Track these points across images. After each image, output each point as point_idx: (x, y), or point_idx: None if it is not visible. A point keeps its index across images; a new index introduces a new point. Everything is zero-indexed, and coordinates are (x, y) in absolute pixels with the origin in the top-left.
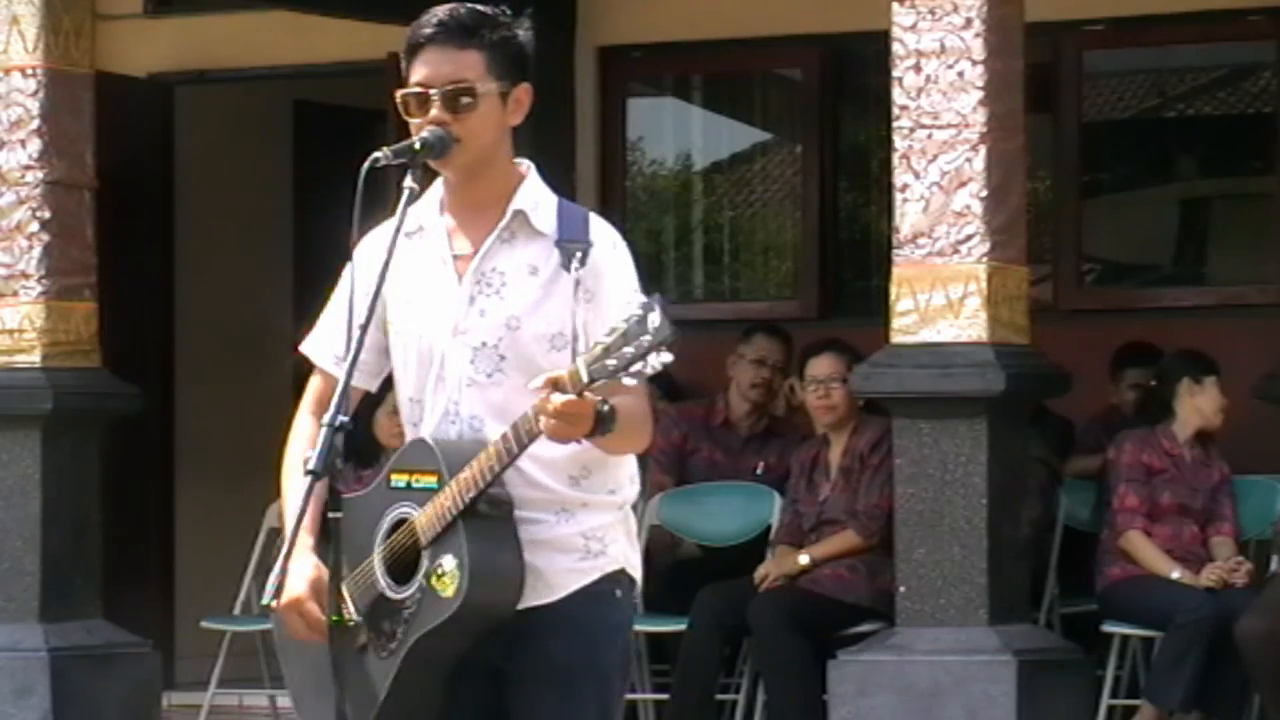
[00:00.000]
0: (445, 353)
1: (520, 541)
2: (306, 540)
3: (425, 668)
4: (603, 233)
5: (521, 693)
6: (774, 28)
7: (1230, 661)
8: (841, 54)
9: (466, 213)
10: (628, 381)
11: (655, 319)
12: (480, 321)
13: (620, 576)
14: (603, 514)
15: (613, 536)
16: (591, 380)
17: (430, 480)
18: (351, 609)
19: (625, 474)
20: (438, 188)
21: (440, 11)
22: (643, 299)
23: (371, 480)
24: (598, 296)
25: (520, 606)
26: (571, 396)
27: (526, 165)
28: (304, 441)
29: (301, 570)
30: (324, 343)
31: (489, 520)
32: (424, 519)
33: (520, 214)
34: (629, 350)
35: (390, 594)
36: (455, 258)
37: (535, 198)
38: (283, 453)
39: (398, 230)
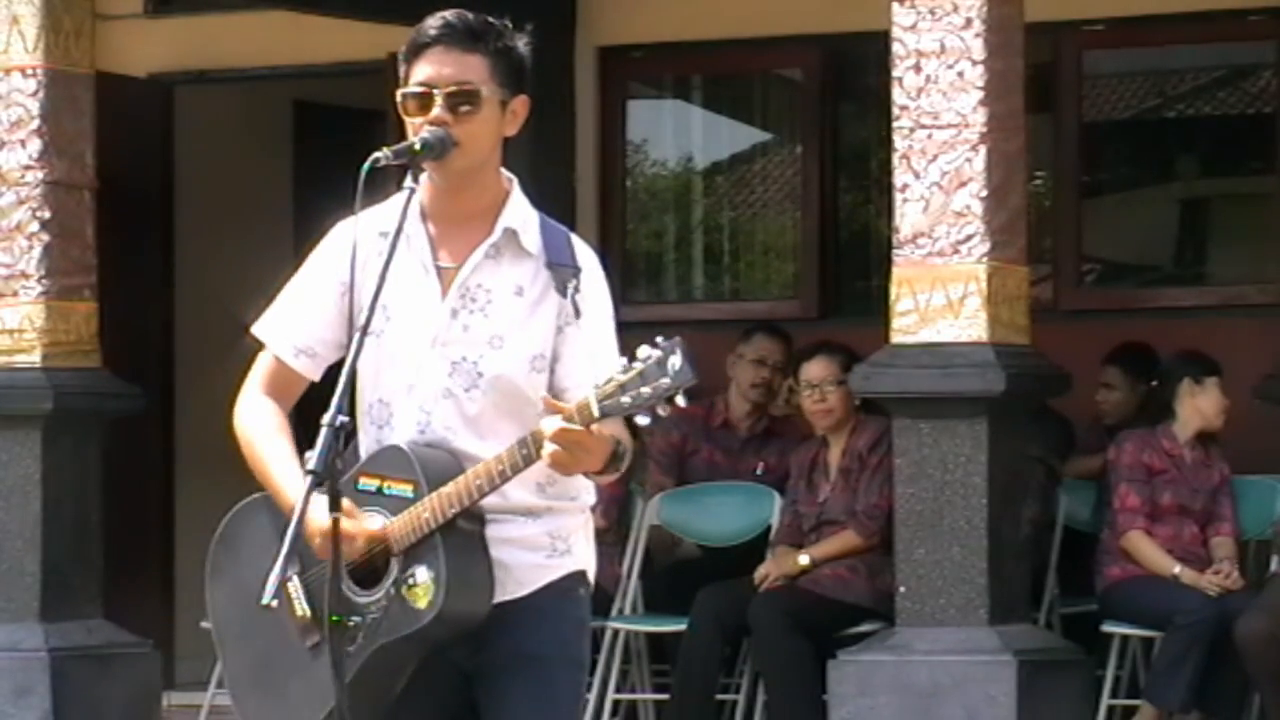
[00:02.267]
0: (422, 361)
1: (490, 553)
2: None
3: (385, 671)
4: (587, 256)
5: (494, 683)
6: (774, 28)
7: (1230, 661)
8: (841, 54)
9: (451, 222)
10: (641, 420)
11: (676, 362)
12: (462, 336)
13: (583, 577)
14: (568, 518)
15: (577, 539)
16: (602, 415)
17: (405, 489)
18: (304, 606)
19: (586, 480)
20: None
21: (446, 14)
22: (665, 340)
23: None
24: (581, 321)
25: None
26: (578, 427)
27: (510, 179)
28: (264, 419)
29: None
30: (282, 329)
31: (464, 534)
32: (398, 527)
33: (510, 232)
34: (646, 390)
35: (353, 597)
36: (439, 268)
37: (523, 215)
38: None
39: (398, 233)
